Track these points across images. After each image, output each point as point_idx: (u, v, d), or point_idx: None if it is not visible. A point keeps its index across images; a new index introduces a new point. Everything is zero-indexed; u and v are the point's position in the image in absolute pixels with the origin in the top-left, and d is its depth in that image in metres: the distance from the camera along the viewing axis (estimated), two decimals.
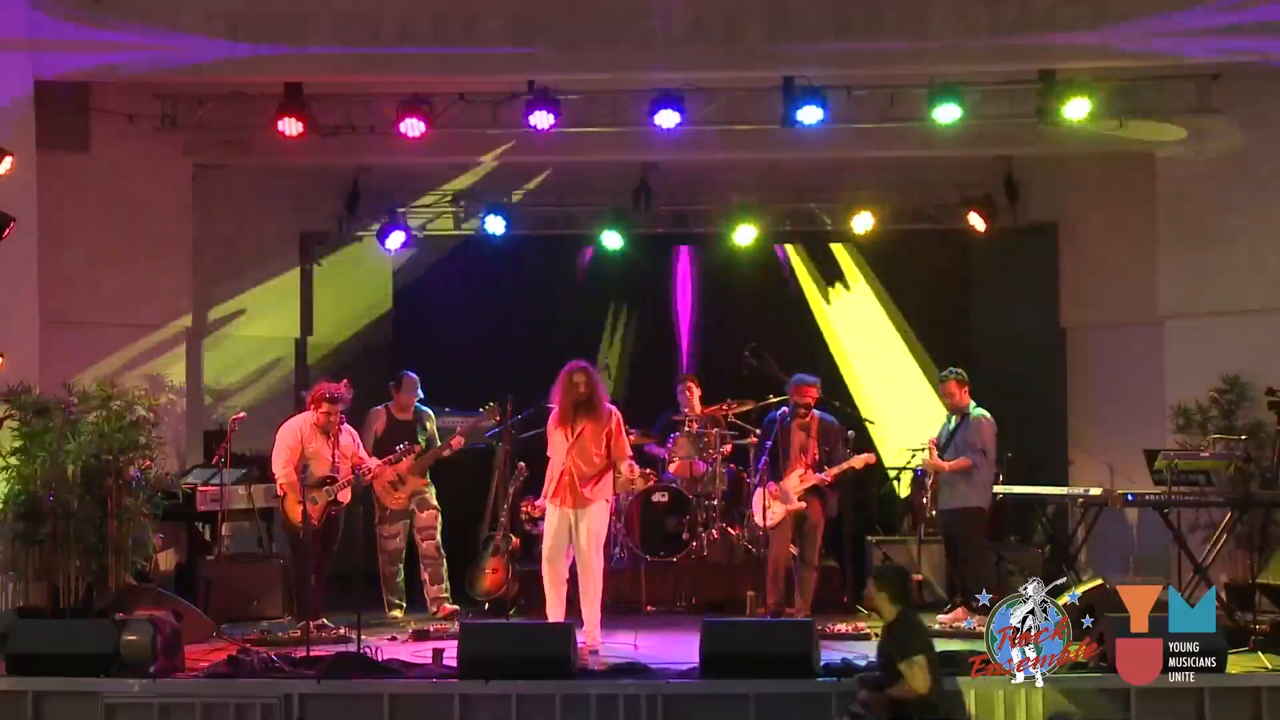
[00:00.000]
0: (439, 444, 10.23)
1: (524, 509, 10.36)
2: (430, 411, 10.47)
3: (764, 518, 9.71)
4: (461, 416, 10.90)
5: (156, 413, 9.79)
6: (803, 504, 9.67)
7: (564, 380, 8.99)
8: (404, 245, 12.68)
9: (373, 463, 9.72)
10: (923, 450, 10.00)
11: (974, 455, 9.53)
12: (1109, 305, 11.99)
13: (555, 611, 8.90)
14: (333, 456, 9.45)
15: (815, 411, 9.81)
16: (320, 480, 9.37)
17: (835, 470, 9.65)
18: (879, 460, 10.90)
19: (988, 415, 9.70)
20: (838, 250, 12.97)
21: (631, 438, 11.35)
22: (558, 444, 8.96)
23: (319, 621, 9.34)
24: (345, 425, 9.64)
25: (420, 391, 10.43)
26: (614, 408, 9.13)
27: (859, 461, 9.69)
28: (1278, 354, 10.26)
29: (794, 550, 9.89)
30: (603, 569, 9.04)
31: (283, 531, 9.99)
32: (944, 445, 9.74)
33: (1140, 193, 11.34)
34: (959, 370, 9.85)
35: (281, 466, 9.47)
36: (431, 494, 10.21)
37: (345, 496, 9.50)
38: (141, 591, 9.31)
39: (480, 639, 7.86)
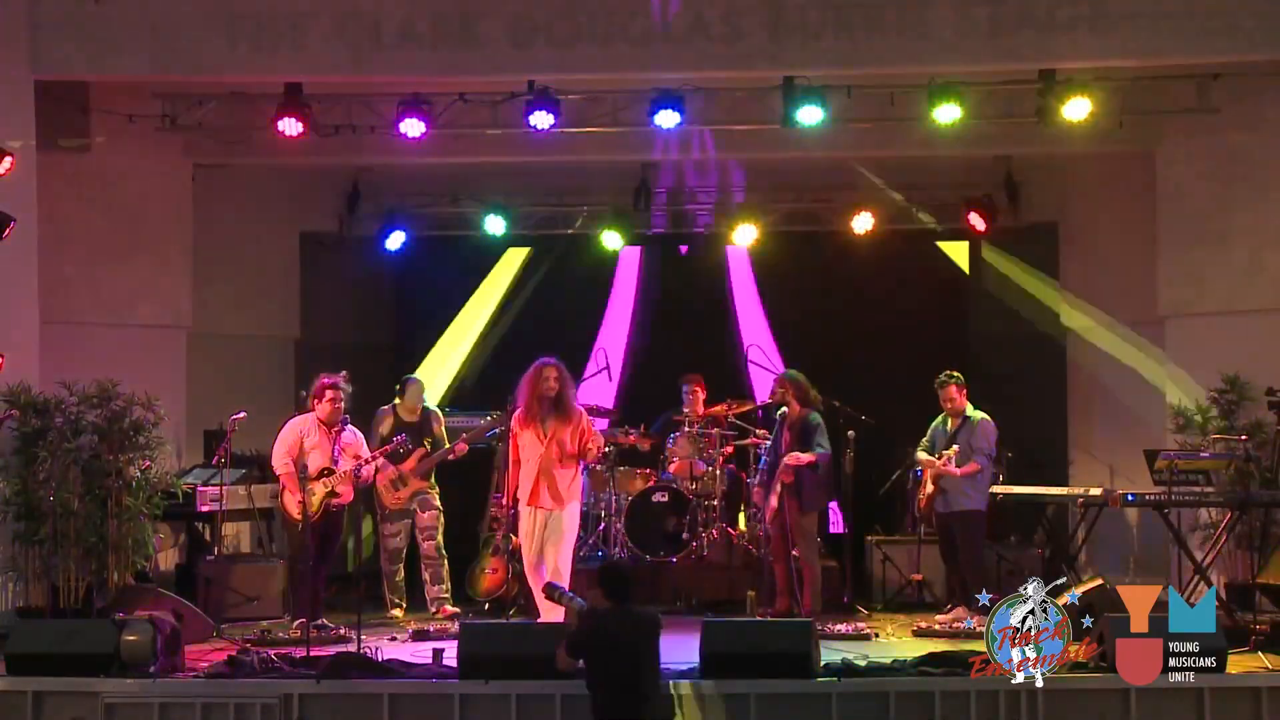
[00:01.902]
0: (446, 446, 10.22)
1: (493, 510, 10.32)
2: (438, 412, 10.47)
3: (763, 519, 9.82)
4: (464, 418, 10.90)
5: (156, 413, 9.80)
6: (774, 504, 9.68)
7: (535, 377, 8.86)
8: (404, 245, 12.68)
9: (368, 453, 9.69)
10: (925, 454, 9.98)
11: (980, 459, 9.52)
12: (1109, 305, 11.99)
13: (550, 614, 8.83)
14: (334, 451, 9.43)
15: (807, 411, 9.77)
16: (318, 472, 9.33)
17: (780, 472, 9.61)
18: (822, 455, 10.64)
19: (989, 418, 9.68)
20: (838, 250, 12.96)
21: (631, 438, 11.43)
22: (529, 444, 8.85)
23: (319, 621, 9.34)
24: (349, 425, 9.62)
25: (424, 396, 10.44)
26: (581, 406, 9.07)
27: (791, 459, 9.58)
28: (1278, 354, 10.25)
29: (795, 551, 9.92)
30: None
31: (283, 528, 10.00)
32: (946, 447, 9.71)
33: (1140, 193, 11.34)
34: (957, 374, 9.83)
35: (279, 458, 9.48)
36: (434, 495, 10.21)
37: (346, 492, 9.48)
38: (141, 591, 9.32)
39: (480, 639, 7.85)
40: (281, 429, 9.65)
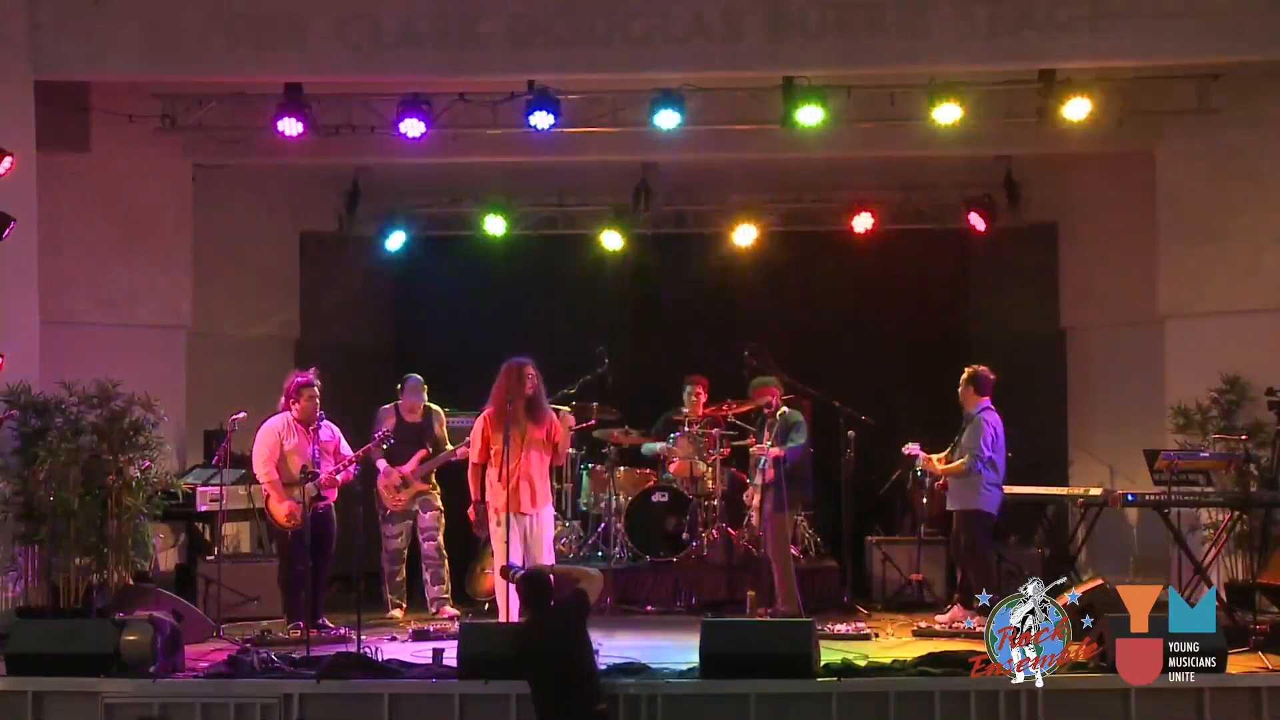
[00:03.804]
0: (448, 445, 10.22)
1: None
2: (440, 411, 10.46)
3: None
4: (464, 418, 10.88)
5: (156, 412, 9.80)
6: (755, 501, 9.84)
7: (514, 378, 8.76)
8: (404, 245, 12.68)
9: (347, 448, 9.67)
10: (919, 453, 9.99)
11: (967, 459, 9.48)
12: (1109, 305, 12.00)
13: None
14: (313, 452, 9.41)
15: (785, 409, 9.84)
16: (304, 477, 9.28)
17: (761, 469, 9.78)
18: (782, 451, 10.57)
19: (991, 418, 9.58)
20: (837, 250, 12.96)
21: (632, 437, 11.44)
22: (501, 444, 8.70)
23: (320, 621, 9.34)
24: (325, 421, 9.59)
25: (424, 394, 10.43)
26: (551, 408, 9.01)
27: (758, 450, 9.84)
28: (1278, 354, 10.26)
29: (795, 550, 9.94)
30: None
31: (270, 536, 10.00)
32: (952, 445, 9.70)
33: (1140, 193, 11.34)
34: (969, 371, 9.79)
35: (261, 466, 9.42)
36: (435, 496, 10.21)
37: (331, 493, 9.45)
38: (141, 591, 9.31)
39: (480, 639, 7.85)
40: (258, 433, 9.57)
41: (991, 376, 9.73)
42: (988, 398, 9.64)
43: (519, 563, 8.47)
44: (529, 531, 8.74)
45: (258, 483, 9.96)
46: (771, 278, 13.03)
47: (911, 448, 9.75)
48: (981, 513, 9.53)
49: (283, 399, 9.56)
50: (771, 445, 9.71)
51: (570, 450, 10.40)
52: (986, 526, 9.61)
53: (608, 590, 10.15)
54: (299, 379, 9.51)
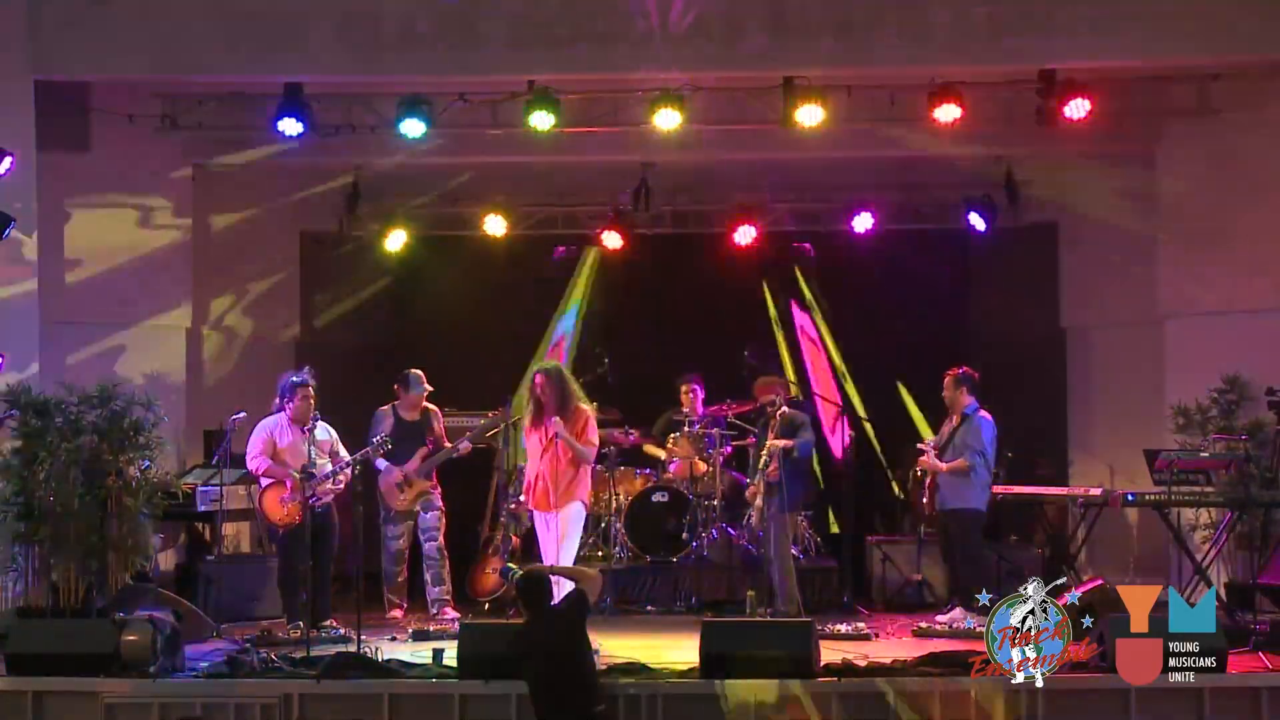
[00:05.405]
0: (446, 442, 10.22)
1: (513, 506, 10.38)
2: (437, 409, 10.46)
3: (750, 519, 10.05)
4: (464, 417, 10.90)
5: (156, 413, 9.79)
6: (758, 501, 9.80)
7: (530, 384, 9.17)
8: (404, 245, 12.67)
9: (344, 451, 9.68)
10: (921, 452, 9.99)
11: (972, 457, 9.51)
12: (1109, 305, 11.99)
13: None
14: (308, 452, 9.39)
15: (786, 407, 9.83)
16: (302, 477, 9.22)
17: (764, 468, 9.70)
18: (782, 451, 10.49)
19: (988, 417, 9.67)
20: (837, 250, 12.96)
21: (632, 437, 11.44)
22: (532, 448, 9.08)
23: (327, 621, 9.33)
24: (321, 421, 9.59)
25: (425, 387, 10.41)
26: (586, 408, 9.10)
27: (771, 445, 9.68)
28: (1278, 354, 10.25)
29: (795, 550, 9.93)
30: None
31: (265, 534, 10.01)
32: (943, 445, 9.73)
33: (1140, 193, 11.34)
34: (957, 371, 9.83)
35: (255, 459, 9.47)
36: (436, 495, 10.20)
37: (325, 493, 9.45)
38: (141, 591, 9.30)
39: (480, 639, 7.85)
40: (250, 433, 9.60)
41: (977, 376, 9.76)
42: (976, 398, 9.68)
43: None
44: (547, 529, 8.89)
45: (257, 481, 9.99)
46: (771, 277, 13.02)
47: (926, 453, 9.74)
48: (979, 511, 9.58)
49: (277, 399, 9.58)
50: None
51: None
52: (981, 524, 9.67)
53: (608, 590, 10.16)
54: (293, 378, 9.53)
